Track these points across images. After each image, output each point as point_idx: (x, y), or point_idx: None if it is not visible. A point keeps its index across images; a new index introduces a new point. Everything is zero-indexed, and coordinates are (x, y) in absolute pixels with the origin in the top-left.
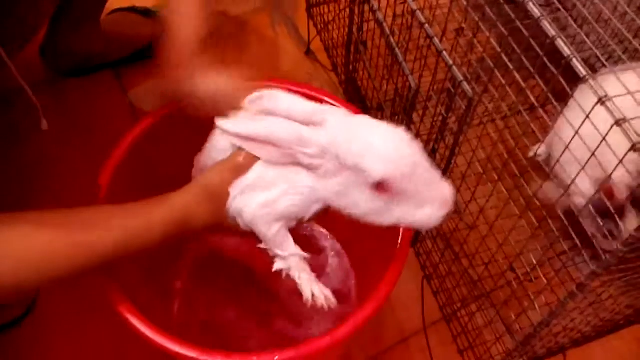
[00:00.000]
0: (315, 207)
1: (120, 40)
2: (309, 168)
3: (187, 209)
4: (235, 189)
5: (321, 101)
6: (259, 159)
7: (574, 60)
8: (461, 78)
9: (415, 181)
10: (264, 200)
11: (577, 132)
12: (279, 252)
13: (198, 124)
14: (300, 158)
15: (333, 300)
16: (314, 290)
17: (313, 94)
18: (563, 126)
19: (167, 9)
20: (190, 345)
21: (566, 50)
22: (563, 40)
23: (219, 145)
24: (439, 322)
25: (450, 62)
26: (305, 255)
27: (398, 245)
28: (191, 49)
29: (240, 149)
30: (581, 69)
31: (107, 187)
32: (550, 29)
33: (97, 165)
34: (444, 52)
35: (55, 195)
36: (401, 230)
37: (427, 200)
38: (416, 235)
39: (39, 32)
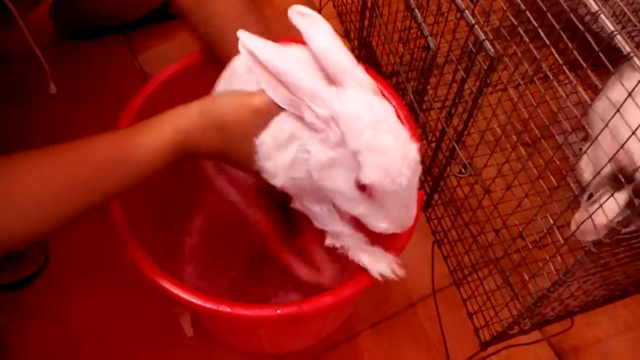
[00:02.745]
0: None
1: (130, 2)
2: (310, 127)
3: (189, 134)
4: (261, 150)
5: None
6: (279, 112)
7: (618, 36)
8: (483, 37)
9: (396, 199)
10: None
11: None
12: (327, 227)
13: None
14: (306, 113)
15: (400, 270)
16: (380, 269)
17: None
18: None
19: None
20: (203, 295)
21: (610, 26)
22: (606, 16)
23: (237, 69)
24: (448, 287)
25: (472, 21)
26: (359, 234)
27: None
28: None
29: (262, 92)
30: (625, 46)
31: None
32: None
33: (105, 127)
34: (466, 12)
35: None
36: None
37: (392, 217)
38: (428, 200)
39: None
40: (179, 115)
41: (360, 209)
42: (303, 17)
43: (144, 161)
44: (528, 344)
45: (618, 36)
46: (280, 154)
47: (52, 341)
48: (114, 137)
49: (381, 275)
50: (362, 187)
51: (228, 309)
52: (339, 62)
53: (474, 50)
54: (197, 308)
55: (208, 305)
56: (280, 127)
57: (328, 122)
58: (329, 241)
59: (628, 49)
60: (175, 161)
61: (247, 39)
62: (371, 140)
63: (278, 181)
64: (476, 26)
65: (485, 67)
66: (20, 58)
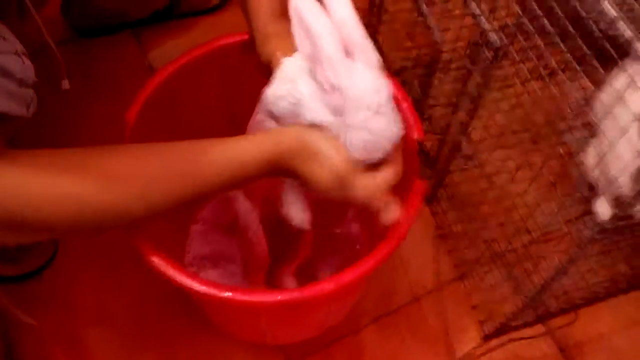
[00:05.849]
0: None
1: (140, 0)
2: (318, 83)
3: (284, 152)
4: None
5: None
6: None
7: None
8: (488, 27)
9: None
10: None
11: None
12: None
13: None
14: (319, 73)
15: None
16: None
17: None
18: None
19: None
20: (208, 282)
21: (629, 32)
22: (625, 22)
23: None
24: (452, 281)
25: (478, 10)
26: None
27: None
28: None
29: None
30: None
31: (134, 124)
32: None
33: (115, 127)
34: (473, 3)
35: None
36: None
37: None
38: (433, 194)
39: None
40: (280, 134)
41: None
42: None
43: (245, 163)
44: (531, 337)
45: (620, 22)
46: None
47: (59, 333)
48: (218, 140)
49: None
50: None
51: (230, 294)
52: (354, 36)
53: (478, 41)
54: (200, 295)
55: (212, 291)
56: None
57: (334, 90)
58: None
59: (630, 34)
60: (269, 172)
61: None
62: (365, 120)
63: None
64: (481, 16)
65: (490, 57)
66: (31, 55)
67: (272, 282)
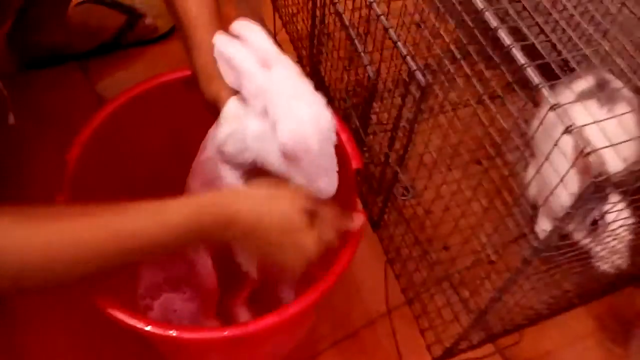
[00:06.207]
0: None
1: (86, 32)
2: (246, 102)
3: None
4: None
5: None
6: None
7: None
8: (414, 67)
9: (313, 164)
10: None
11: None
12: None
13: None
14: (243, 90)
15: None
16: None
17: None
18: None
19: (184, 22)
20: (157, 324)
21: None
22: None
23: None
24: (403, 305)
25: (404, 52)
26: None
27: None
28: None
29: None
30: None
31: (74, 163)
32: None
33: (63, 159)
34: (399, 43)
35: (22, 191)
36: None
37: (313, 182)
38: (379, 220)
39: (6, 22)
40: (206, 205)
41: (289, 173)
42: (243, 25)
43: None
44: (480, 358)
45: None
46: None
47: None
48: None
49: None
50: (284, 154)
51: (175, 333)
52: (268, 50)
53: (406, 79)
54: (148, 335)
55: (157, 331)
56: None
57: (257, 96)
58: None
59: (537, 81)
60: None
61: (220, 42)
62: (287, 110)
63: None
64: (408, 57)
65: (418, 96)
66: None
67: (225, 313)
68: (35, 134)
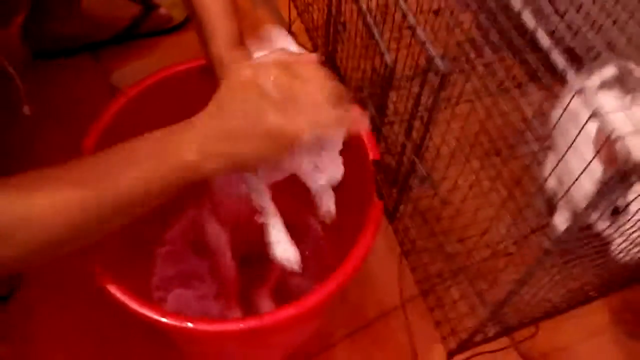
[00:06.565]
0: None
1: (100, 23)
2: None
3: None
4: None
5: None
6: None
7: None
8: (434, 54)
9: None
10: None
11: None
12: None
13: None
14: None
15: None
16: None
17: None
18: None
19: (198, 12)
20: (169, 314)
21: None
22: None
23: None
24: (417, 297)
25: (424, 38)
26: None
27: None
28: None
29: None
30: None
31: (91, 151)
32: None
33: (78, 149)
34: (418, 29)
35: None
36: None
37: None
38: (394, 212)
39: (20, 13)
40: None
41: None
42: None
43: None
44: (496, 351)
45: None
46: None
47: None
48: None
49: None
50: None
51: (191, 325)
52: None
53: (425, 66)
54: (164, 326)
55: (172, 322)
56: None
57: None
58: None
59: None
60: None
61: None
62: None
63: None
64: (427, 43)
65: (437, 83)
66: None
67: (249, 305)
68: (49, 125)
